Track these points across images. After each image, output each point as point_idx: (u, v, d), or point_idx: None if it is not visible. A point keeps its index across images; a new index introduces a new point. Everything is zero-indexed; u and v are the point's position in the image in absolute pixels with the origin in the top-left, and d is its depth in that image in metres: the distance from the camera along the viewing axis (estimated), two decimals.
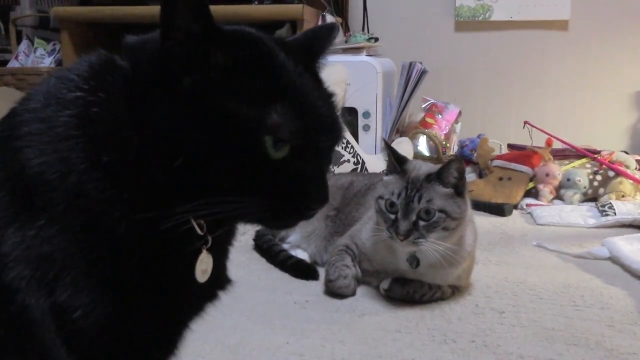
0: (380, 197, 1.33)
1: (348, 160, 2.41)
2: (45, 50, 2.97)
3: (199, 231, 0.58)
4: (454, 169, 1.26)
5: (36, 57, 2.97)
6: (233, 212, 0.54)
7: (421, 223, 1.26)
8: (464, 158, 2.60)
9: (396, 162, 1.34)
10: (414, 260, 1.33)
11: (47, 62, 2.92)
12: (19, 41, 3.11)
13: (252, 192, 0.54)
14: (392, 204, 1.30)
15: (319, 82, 0.62)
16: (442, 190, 1.27)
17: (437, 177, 1.28)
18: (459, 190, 1.29)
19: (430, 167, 1.34)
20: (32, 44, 3.01)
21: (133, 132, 0.53)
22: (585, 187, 2.32)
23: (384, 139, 1.55)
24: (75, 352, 0.54)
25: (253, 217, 0.58)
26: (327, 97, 0.61)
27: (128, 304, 0.56)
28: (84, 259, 0.53)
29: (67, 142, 0.53)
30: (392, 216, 1.29)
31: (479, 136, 2.66)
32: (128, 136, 0.53)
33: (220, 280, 0.67)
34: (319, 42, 0.67)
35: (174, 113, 0.52)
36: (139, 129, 0.53)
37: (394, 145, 1.91)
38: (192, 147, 0.52)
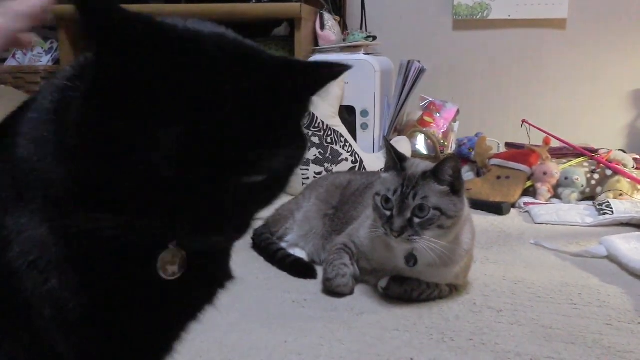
0: (377, 194, 1.33)
1: (346, 159, 2.42)
2: (42, 48, 2.97)
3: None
4: (449, 167, 1.26)
5: (34, 55, 2.96)
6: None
7: (416, 220, 1.26)
8: (462, 157, 2.60)
9: (396, 159, 1.34)
10: (412, 259, 1.33)
11: (45, 60, 2.91)
12: None
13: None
14: (387, 200, 1.30)
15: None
16: (438, 187, 1.27)
17: (433, 175, 1.28)
18: (455, 188, 1.28)
19: (428, 165, 1.34)
20: None
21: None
22: (582, 186, 2.33)
23: (384, 137, 1.55)
24: (68, 342, 0.55)
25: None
26: None
27: (110, 302, 0.55)
28: (63, 250, 0.52)
29: (45, 126, 0.54)
30: (388, 213, 1.29)
31: (477, 135, 2.66)
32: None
33: (219, 278, 0.67)
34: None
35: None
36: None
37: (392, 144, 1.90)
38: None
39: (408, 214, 1.27)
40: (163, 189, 0.47)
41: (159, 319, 0.60)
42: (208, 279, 0.64)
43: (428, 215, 1.25)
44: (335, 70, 0.55)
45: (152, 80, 0.45)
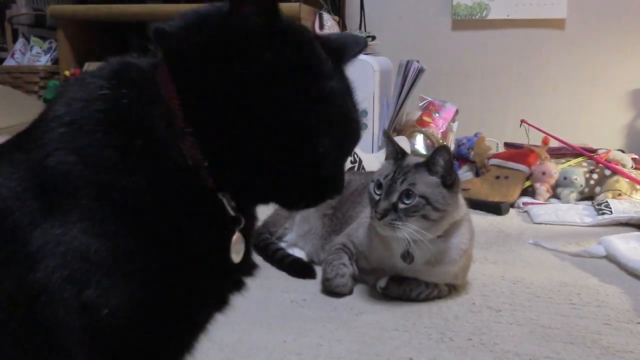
0: (372, 180, 1.35)
1: None
2: (41, 48, 2.97)
3: (231, 212, 0.61)
4: (440, 157, 1.26)
5: (32, 55, 2.96)
6: (275, 189, 0.61)
7: (401, 205, 1.26)
8: (461, 157, 2.60)
9: (398, 150, 1.37)
10: (408, 256, 1.33)
11: (44, 60, 2.91)
12: (14, 39, 3.11)
13: (292, 172, 0.60)
14: (379, 186, 1.31)
15: (349, 84, 0.66)
16: (428, 177, 1.27)
17: (425, 165, 1.28)
18: (447, 182, 1.28)
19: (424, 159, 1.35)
20: (28, 42, 3.01)
21: (174, 115, 0.56)
22: (581, 186, 2.33)
23: (384, 130, 1.55)
24: (99, 350, 0.54)
25: (288, 195, 0.62)
26: (355, 101, 0.65)
27: (159, 300, 0.56)
28: (115, 254, 0.53)
29: (94, 136, 0.55)
30: (377, 197, 1.30)
31: (475, 135, 2.66)
32: (165, 120, 0.56)
33: (246, 266, 0.68)
34: (351, 49, 0.72)
35: (256, 85, 0.55)
36: (194, 109, 0.56)
37: None
38: (264, 119, 0.56)
39: (394, 198, 1.26)
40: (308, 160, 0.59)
41: (203, 312, 0.63)
42: (247, 266, 0.66)
43: (413, 202, 1.25)
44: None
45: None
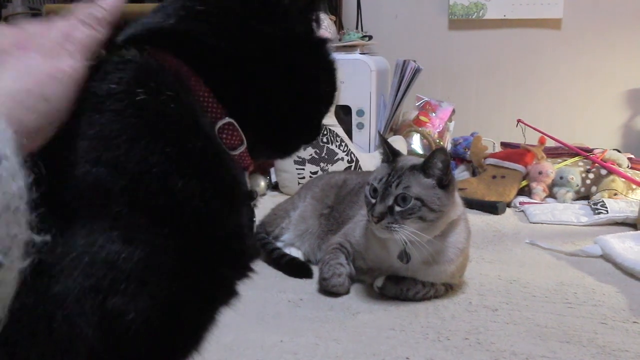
0: (368, 183, 1.34)
1: (342, 159, 2.42)
2: None
3: (248, 185, 0.64)
4: (438, 160, 1.25)
5: None
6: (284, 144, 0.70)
7: (397, 208, 1.25)
8: (457, 156, 2.61)
9: (390, 152, 1.36)
10: (405, 256, 1.33)
11: None
12: None
13: (300, 125, 0.70)
14: (374, 190, 1.30)
15: None
16: (423, 179, 1.27)
17: (421, 167, 1.28)
18: (443, 183, 1.27)
19: (419, 160, 1.34)
20: None
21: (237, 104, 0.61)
22: (577, 185, 2.34)
23: (378, 132, 1.55)
24: (119, 356, 0.54)
25: (290, 143, 0.72)
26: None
27: (182, 300, 0.56)
28: (145, 261, 0.53)
29: (136, 144, 0.54)
30: (373, 200, 1.30)
31: (472, 134, 2.66)
32: (204, 116, 0.59)
33: (254, 248, 0.68)
34: None
35: (290, 55, 0.64)
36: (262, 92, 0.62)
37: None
38: (293, 86, 0.65)
39: (390, 202, 1.26)
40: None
41: (218, 306, 0.63)
42: (255, 248, 0.67)
43: (409, 204, 1.24)
44: None
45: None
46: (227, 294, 0.63)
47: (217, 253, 0.59)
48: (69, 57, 0.53)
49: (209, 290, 0.60)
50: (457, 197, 1.35)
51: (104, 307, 0.51)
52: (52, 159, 0.53)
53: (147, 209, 0.53)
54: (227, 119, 0.60)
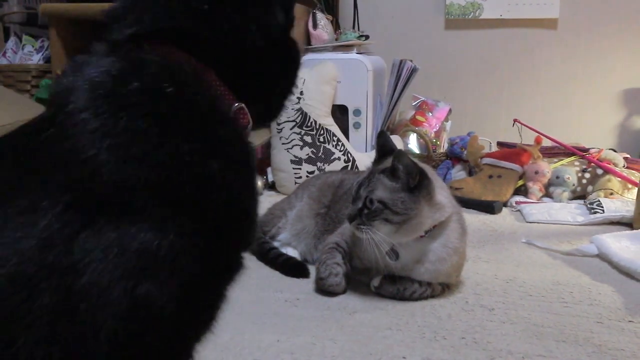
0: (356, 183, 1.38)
1: (338, 158, 2.42)
2: (33, 47, 2.95)
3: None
4: (400, 164, 1.26)
5: (24, 54, 2.94)
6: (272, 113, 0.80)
7: (365, 211, 1.29)
8: (454, 156, 2.61)
9: (377, 153, 1.41)
10: (393, 253, 1.33)
11: (36, 59, 2.89)
12: (6, 38, 3.09)
13: (285, 96, 0.80)
14: (355, 190, 1.34)
15: None
16: (388, 182, 1.28)
17: (389, 170, 1.29)
18: (410, 186, 1.27)
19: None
20: (20, 41, 2.98)
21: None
22: (574, 185, 2.34)
23: (382, 130, 1.54)
24: (137, 348, 0.55)
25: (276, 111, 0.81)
26: None
27: (206, 282, 0.59)
28: (175, 247, 0.54)
29: (172, 135, 0.56)
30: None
31: (469, 134, 2.66)
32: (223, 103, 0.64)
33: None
34: None
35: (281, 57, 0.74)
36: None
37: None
38: (283, 73, 0.75)
39: (359, 204, 1.30)
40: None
41: (230, 283, 0.65)
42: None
43: (372, 207, 1.28)
44: None
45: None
46: (238, 270, 0.65)
47: (237, 231, 0.62)
48: None
49: (226, 270, 0.63)
50: (444, 199, 1.33)
51: (135, 294, 0.52)
52: (74, 158, 0.54)
53: (179, 196, 0.56)
54: (239, 104, 0.66)
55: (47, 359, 0.50)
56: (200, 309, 0.61)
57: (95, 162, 0.53)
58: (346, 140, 2.47)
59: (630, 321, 1.26)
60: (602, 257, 1.65)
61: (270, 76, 0.73)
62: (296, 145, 2.43)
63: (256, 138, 0.79)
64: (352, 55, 2.53)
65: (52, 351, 0.51)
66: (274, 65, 0.72)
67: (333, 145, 2.42)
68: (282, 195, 1.81)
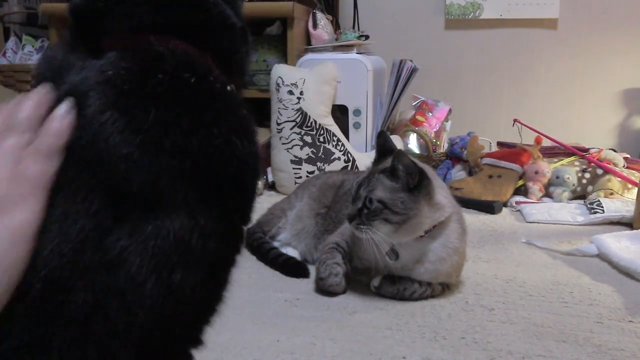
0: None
1: (338, 158, 2.42)
2: (33, 47, 2.95)
3: None
4: (400, 163, 1.26)
5: (24, 54, 2.94)
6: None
7: (364, 211, 1.29)
8: (454, 156, 2.61)
9: (377, 153, 1.41)
10: (393, 253, 1.33)
11: (36, 59, 2.89)
12: (6, 38, 3.09)
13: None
14: (355, 190, 1.34)
15: None
16: (388, 182, 1.28)
17: (389, 170, 1.29)
18: (409, 186, 1.27)
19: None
20: (20, 41, 2.99)
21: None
22: (574, 185, 2.34)
23: (382, 131, 1.53)
24: (170, 329, 0.57)
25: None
26: None
27: (225, 264, 0.62)
28: (207, 232, 0.56)
29: (203, 122, 0.58)
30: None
31: (469, 134, 2.66)
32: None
33: None
34: None
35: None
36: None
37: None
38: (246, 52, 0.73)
39: (359, 204, 1.30)
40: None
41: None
42: None
43: (372, 207, 1.28)
44: None
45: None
46: (240, 250, 0.67)
47: (248, 208, 0.64)
48: (23, 206, 0.49)
49: (236, 250, 0.64)
50: (444, 199, 1.33)
51: (169, 283, 0.53)
52: (106, 159, 0.53)
53: (209, 180, 0.57)
54: (231, 84, 0.66)
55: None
56: (219, 291, 0.63)
57: (129, 160, 0.53)
58: (346, 140, 2.47)
59: (630, 321, 1.26)
60: (602, 257, 1.65)
61: (242, 55, 0.73)
62: (296, 145, 2.43)
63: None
64: (352, 55, 2.53)
65: (87, 351, 0.51)
66: (244, 45, 0.73)
67: (333, 145, 2.42)
68: (282, 195, 1.81)
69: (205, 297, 0.60)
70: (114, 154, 0.53)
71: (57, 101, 0.55)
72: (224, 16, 0.67)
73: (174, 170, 0.54)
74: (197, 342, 0.64)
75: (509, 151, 2.50)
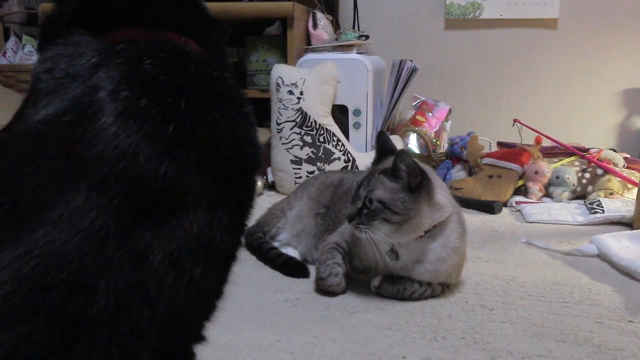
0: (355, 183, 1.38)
1: (338, 158, 2.42)
2: (33, 47, 2.95)
3: None
4: (402, 163, 1.26)
5: (24, 54, 2.94)
6: None
7: (364, 210, 1.29)
8: (454, 156, 2.61)
9: (376, 153, 1.41)
10: (393, 253, 1.33)
11: (36, 59, 2.89)
12: (6, 38, 3.09)
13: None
14: (354, 190, 1.34)
15: None
16: (388, 182, 1.28)
17: (389, 170, 1.29)
18: (410, 186, 1.27)
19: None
20: (20, 41, 2.99)
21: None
22: (574, 185, 2.34)
23: (381, 131, 1.53)
24: (186, 324, 0.59)
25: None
26: None
27: (234, 257, 0.64)
28: (225, 223, 0.58)
29: (225, 111, 0.61)
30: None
31: (469, 134, 2.66)
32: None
33: None
34: None
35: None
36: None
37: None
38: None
39: (359, 204, 1.30)
40: None
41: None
42: None
43: (372, 206, 1.28)
44: None
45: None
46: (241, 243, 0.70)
47: (253, 202, 0.66)
48: None
49: (240, 244, 0.66)
50: (444, 199, 1.33)
51: (190, 278, 0.55)
52: (128, 157, 0.54)
53: (229, 173, 0.59)
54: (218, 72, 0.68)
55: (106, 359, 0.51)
56: (222, 286, 0.64)
57: (152, 156, 0.53)
58: (346, 140, 2.47)
59: (630, 321, 1.26)
60: (602, 257, 1.65)
61: (224, 49, 0.75)
62: (296, 145, 2.43)
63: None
64: (352, 55, 2.53)
65: (111, 350, 0.51)
66: (224, 38, 0.75)
67: (333, 145, 2.42)
68: (282, 195, 1.81)
69: (217, 290, 0.62)
70: (136, 150, 0.53)
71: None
72: (203, 9, 0.70)
73: (200, 163, 0.56)
74: (200, 338, 0.64)
75: (509, 151, 2.50)
